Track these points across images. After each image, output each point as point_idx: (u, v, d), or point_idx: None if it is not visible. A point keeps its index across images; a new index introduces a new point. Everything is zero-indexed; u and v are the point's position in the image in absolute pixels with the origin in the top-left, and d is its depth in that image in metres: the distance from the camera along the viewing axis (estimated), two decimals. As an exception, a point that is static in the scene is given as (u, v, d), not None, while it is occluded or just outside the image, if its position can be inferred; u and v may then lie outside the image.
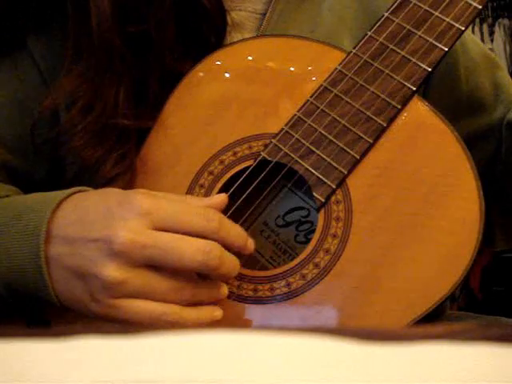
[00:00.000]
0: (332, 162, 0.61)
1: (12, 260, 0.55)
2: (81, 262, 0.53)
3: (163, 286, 0.52)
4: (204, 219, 0.54)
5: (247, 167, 0.63)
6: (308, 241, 0.62)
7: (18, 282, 0.55)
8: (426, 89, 0.75)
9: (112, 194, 0.56)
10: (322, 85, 0.64)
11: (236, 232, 0.56)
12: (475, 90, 0.78)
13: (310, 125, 0.63)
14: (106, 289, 0.51)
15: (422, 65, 0.62)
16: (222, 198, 0.58)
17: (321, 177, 0.61)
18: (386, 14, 0.64)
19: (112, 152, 0.66)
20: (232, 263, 0.55)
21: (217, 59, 0.69)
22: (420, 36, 0.63)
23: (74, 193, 0.57)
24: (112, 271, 0.51)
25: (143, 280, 0.52)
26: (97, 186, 0.62)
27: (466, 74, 0.78)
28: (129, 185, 0.65)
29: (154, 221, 0.52)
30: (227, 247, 0.55)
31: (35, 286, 0.54)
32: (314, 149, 0.62)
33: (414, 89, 0.61)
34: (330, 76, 0.64)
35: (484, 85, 0.79)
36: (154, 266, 0.52)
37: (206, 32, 0.69)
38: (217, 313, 0.55)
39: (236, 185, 0.63)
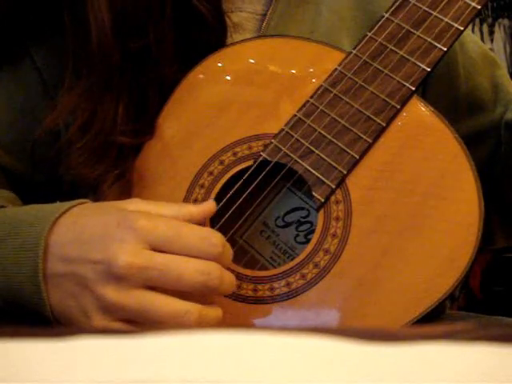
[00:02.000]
0: (331, 161, 0.61)
1: (9, 276, 0.55)
2: (78, 283, 0.52)
3: (164, 309, 0.51)
4: (207, 243, 0.53)
5: (247, 167, 0.63)
6: (308, 241, 0.62)
7: (16, 297, 0.55)
8: (425, 89, 0.75)
9: (111, 212, 0.54)
10: (321, 85, 0.64)
11: (229, 253, 0.55)
12: (474, 90, 0.78)
13: (309, 125, 0.63)
14: (104, 311, 0.51)
15: (421, 65, 0.62)
16: (209, 206, 0.57)
17: (320, 177, 0.61)
18: (386, 15, 0.64)
19: (110, 171, 0.65)
20: (230, 281, 0.54)
21: (216, 60, 0.69)
22: (419, 36, 0.63)
23: (72, 207, 0.56)
24: (109, 294, 0.50)
25: (141, 302, 0.51)
26: (93, 200, 0.62)
27: (465, 74, 0.78)
28: (126, 191, 0.65)
29: (152, 242, 0.51)
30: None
31: (32, 302, 0.54)
32: (313, 149, 0.62)
33: (413, 89, 0.62)
34: (329, 76, 0.64)
35: (483, 84, 0.79)
36: (153, 287, 0.51)
37: (206, 39, 0.69)
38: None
39: (236, 185, 0.63)
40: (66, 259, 0.53)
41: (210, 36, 0.69)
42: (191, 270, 0.51)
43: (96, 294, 0.51)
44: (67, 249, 0.53)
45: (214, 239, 0.53)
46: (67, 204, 0.56)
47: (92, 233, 0.53)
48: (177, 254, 0.52)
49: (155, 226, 0.52)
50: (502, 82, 0.79)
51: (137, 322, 0.52)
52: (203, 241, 0.53)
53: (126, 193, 0.64)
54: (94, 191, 0.65)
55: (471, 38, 0.82)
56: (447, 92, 0.77)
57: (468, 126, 0.76)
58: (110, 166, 0.65)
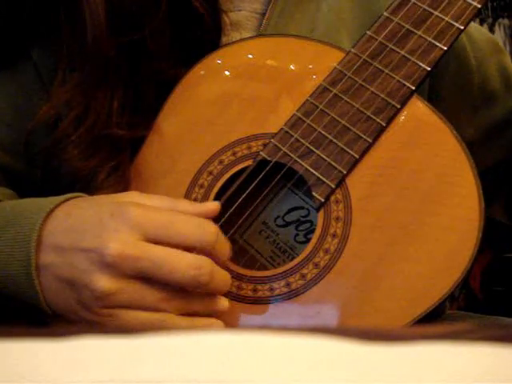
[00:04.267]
0: (331, 161, 0.61)
1: (2, 268, 0.55)
2: (71, 272, 0.52)
3: (154, 297, 0.52)
4: (201, 231, 0.53)
5: (247, 167, 0.63)
6: (307, 240, 0.62)
7: (10, 289, 0.55)
8: (440, 88, 0.74)
9: (105, 203, 0.55)
10: (321, 84, 0.64)
11: (226, 246, 0.56)
12: (486, 80, 0.78)
13: (309, 124, 0.63)
14: (97, 299, 0.51)
15: (422, 64, 0.62)
16: (214, 206, 0.58)
17: (320, 176, 0.61)
18: (386, 14, 0.64)
19: (105, 163, 0.65)
20: (222, 278, 0.55)
21: (216, 59, 0.69)
22: (419, 35, 0.63)
23: (67, 200, 0.56)
24: (103, 282, 0.50)
25: (134, 291, 0.51)
26: (89, 194, 0.62)
27: (477, 65, 0.77)
28: (122, 184, 0.65)
29: (145, 233, 0.52)
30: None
31: (26, 293, 0.54)
32: (313, 148, 0.62)
33: (414, 88, 0.61)
34: (329, 75, 0.64)
35: (493, 73, 0.78)
36: (146, 277, 0.52)
37: (200, 36, 0.69)
38: (213, 323, 0.55)
39: (235, 185, 0.63)
40: (59, 249, 0.53)
41: (206, 33, 0.69)
42: (183, 263, 0.52)
43: (88, 282, 0.51)
44: (60, 238, 0.53)
45: (206, 227, 0.54)
46: (61, 197, 0.57)
47: (85, 223, 0.53)
48: (170, 244, 0.52)
49: (149, 216, 0.52)
50: (509, 68, 0.79)
51: (129, 310, 0.52)
52: (196, 229, 0.53)
53: (122, 187, 0.65)
54: (89, 184, 0.65)
55: (474, 26, 0.82)
56: (462, 87, 0.77)
57: (486, 117, 0.76)
58: (104, 158, 0.66)
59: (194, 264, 0.52)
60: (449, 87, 0.76)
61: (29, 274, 0.53)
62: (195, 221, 0.54)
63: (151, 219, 0.52)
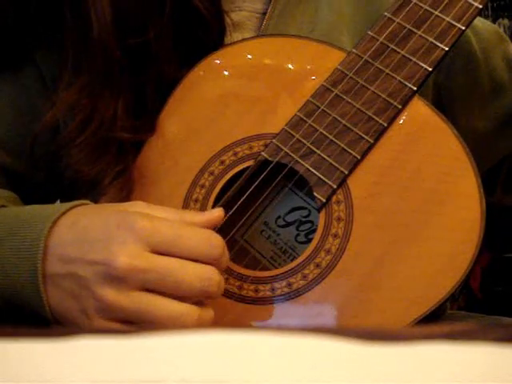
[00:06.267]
0: (333, 162, 0.61)
1: (8, 276, 0.55)
2: (77, 283, 0.52)
3: (162, 311, 0.51)
4: (207, 245, 0.52)
5: (248, 167, 0.63)
6: (308, 240, 0.62)
7: (14, 297, 0.55)
8: (450, 89, 0.74)
9: (112, 214, 0.54)
10: (322, 85, 0.64)
11: (227, 258, 0.55)
12: (493, 71, 0.78)
13: (310, 125, 0.63)
14: (103, 311, 0.51)
15: (423, 65, 0.62)
16: (219, 213, 0.57)
17: (322, 177, 0.61)
18: (387, 14, 0.64)
19: (111, 167, 0.65)
20: (223, 286, 0.54)
21: (217, 59, 0.69)
22: (421, 36, 0.63)
23: (73, 207, 0.56)
24: (109, 295, 0.50)
25: (140, 304, 0.51)
26: (93, 198, 0.62)
27: (483, 58, 0.77)
28: (127, 188, 0.65)
29: (153, 244, 0.51)
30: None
31: (31, 302, 0.54)
32: (314, 149, 0.62)
33: (415, 89, 0.61)
34: (330, 76, 0.64)
35: (499, 63, 0.78)
36: (152, 290, 0.51)
37: (204, 38, 0.69)
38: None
39: (236, 185, 0.63)
40: (66, 260, 0.53)
41: (209, 35, 0.69)
42: (191, 275, 0.51)
43: (95, 295, 0.51)
44: (67, 249, 0.53)
45: (214, 241, 0.53)
46: (67, 204, 0.56)
47: (92, 233, 0.53)
48: (177, 256, 0.52)
49: (156, 227, 0.52)
50: None
51: (136, 324, 0.51)
52: (203, 242, 0.52)
53: (126, 190, 0.64)
54: (94, 188, 0.65)
55: (477, 18, 0.82)
56: (472, 82, 0.76)
57: (497, 108, 0.76)
58: (110, 162, 0.65)
59: (203, 275, 0.51)
60: (458, 85, 0.75)
61: (35, 284, 0.53)
62: (202, 234, 0.53)
63: (158, 231, 0.52)
